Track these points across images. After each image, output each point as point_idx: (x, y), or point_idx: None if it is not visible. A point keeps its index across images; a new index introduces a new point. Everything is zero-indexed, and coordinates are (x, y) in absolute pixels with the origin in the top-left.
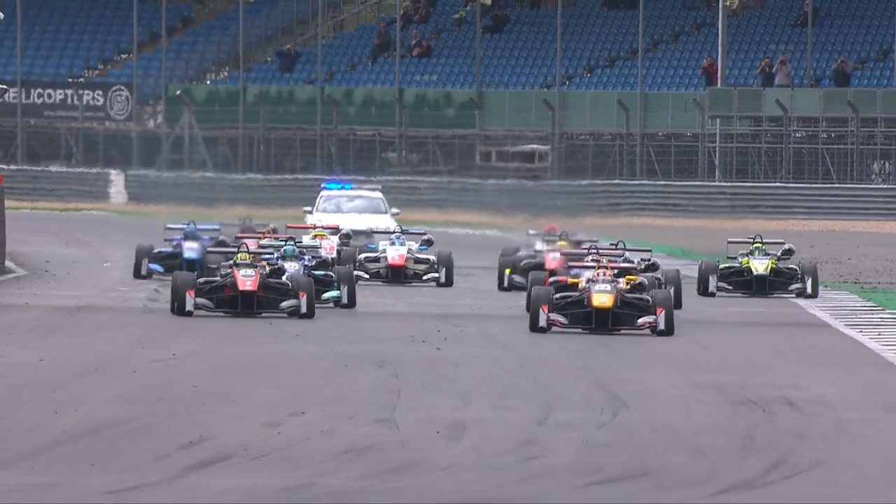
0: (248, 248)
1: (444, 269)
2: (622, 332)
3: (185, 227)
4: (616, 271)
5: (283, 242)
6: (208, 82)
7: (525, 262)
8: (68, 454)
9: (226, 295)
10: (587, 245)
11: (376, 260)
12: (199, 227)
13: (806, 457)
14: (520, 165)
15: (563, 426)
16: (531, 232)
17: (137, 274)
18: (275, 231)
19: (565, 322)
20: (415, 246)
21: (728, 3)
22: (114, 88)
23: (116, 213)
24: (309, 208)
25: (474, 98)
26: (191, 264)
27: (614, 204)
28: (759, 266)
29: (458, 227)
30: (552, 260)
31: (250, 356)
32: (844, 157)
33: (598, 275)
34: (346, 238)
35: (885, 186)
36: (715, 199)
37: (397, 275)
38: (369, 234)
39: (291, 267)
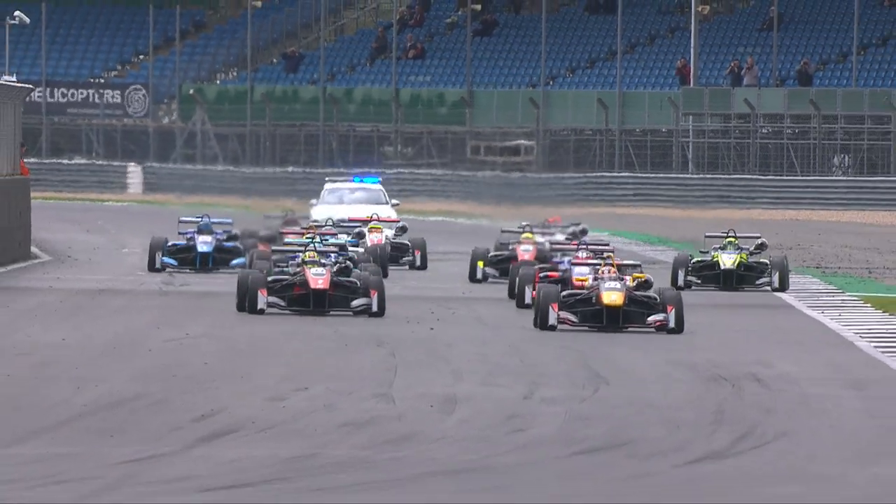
0: (313, 245)
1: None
2: (632, 330)
3: (198, 220)
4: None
5: (310, 240)
6: (219, 82)
7: (494, 254)
8: (89, 426)
9: (296, 293)
10: (570, 232)
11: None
12: (212, 220)
13: (772, 429)
14: (507, 159)
15: (548, 401)
16: (504, 229)
17: (152, 267)
18: (319, 226)
19: (575, 320)
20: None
21: (700, 9)
22: (131, 88)
23: (134, 203)
24: (315, 200)
25: (465, 97)
26: (204, 257)
27: (594, 195)
28: (728, 260)
29: (449, 216)
30: (523, 252)
31: (257, 336)
32: (807, 152)
33: (604, 272)
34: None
35: (845, 179)
36: (688, 190)
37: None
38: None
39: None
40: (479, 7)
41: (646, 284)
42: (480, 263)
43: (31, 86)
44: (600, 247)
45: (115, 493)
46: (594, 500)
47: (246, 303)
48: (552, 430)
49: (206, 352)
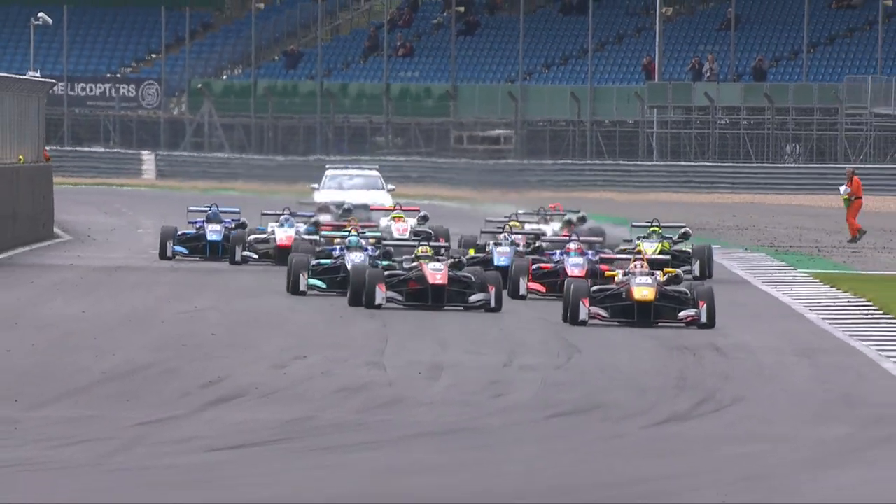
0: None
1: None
2: (663, 325)
3: (207, 209)
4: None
5: (347, 232)
6: (225, 77)
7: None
8: (107, 392)
9: (411, 288)
10: (567, 220)
11: (266, 241)
12: (220, 209)
13: (729, 394)
14: (488, 147)
15: (525, 368)
16: (488, 219)
17: (163, 255)
18: (349, 211)
19: (606, 316)
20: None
21: (664, 11)
22: (145, 82)
23: (148, 188)
24: (316, 185)
25: (450, 91)
26: (213, 246)
27: (569, 180)
28: (649, 249)
29: (437, 199)
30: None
31: (261, 309)
32: (762, 141)
33: (634, 267)
34: (348, 213)
35: (796, 165)
36: (653, 176)
37: (284, 256)
38: (367, 209)
39: (357, 257)
40: (462, 9)
41: (676, 279)
42: (472, 251)
43: (53, 81)
44: (592, 239)
45: (129, 453)
46: (569, 459)
47: (363, 297)
48: (530, 395)
49: (214, 323)
